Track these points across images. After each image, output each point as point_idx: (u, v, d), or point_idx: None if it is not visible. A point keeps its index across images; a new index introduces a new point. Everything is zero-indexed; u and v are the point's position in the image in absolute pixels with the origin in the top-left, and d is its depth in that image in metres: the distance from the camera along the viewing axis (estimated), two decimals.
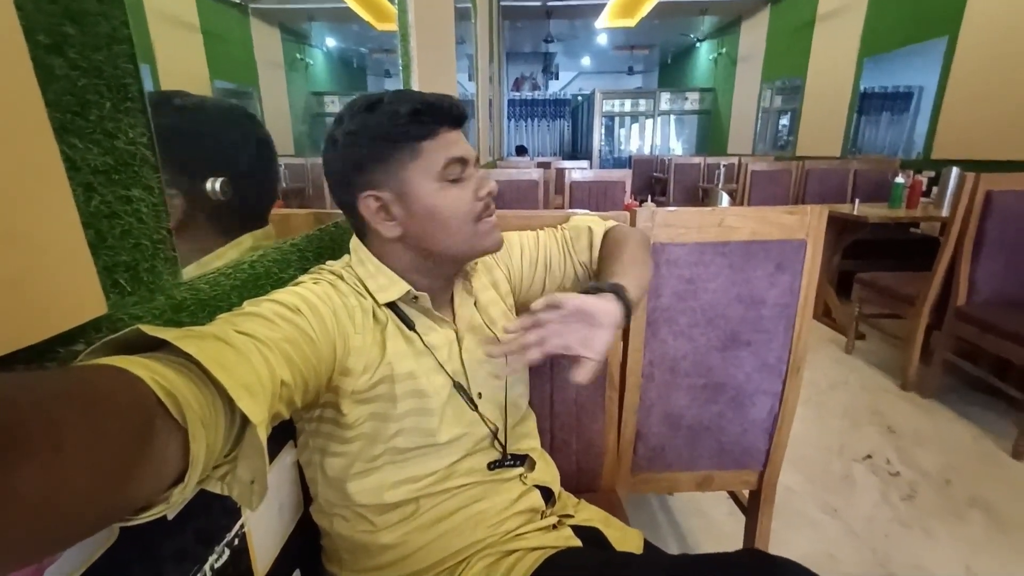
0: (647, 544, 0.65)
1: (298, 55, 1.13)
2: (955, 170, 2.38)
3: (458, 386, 0.59)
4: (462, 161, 0.56)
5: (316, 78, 1.27)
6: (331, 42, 1.36)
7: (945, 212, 2.27)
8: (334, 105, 1.41)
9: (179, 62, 0.56)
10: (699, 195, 4.67)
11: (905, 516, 1.35)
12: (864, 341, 2.49)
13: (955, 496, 1.42)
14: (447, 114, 0.55)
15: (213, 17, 0.67)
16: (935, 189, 2.62)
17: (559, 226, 0.77)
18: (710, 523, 1.34)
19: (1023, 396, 1.56)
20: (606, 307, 0.52)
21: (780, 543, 1.22)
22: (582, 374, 0.49)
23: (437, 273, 0.60)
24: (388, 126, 0.53)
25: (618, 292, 0.54)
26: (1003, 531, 1.28)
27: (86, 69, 0.33)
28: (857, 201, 2.68)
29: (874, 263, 2.66)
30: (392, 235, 0.55)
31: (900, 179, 2.58)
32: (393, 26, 1.40)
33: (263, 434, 0.35)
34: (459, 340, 0.62)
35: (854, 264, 2.70)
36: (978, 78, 3.16)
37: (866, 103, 4.42)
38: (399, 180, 0.54)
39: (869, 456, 1.62)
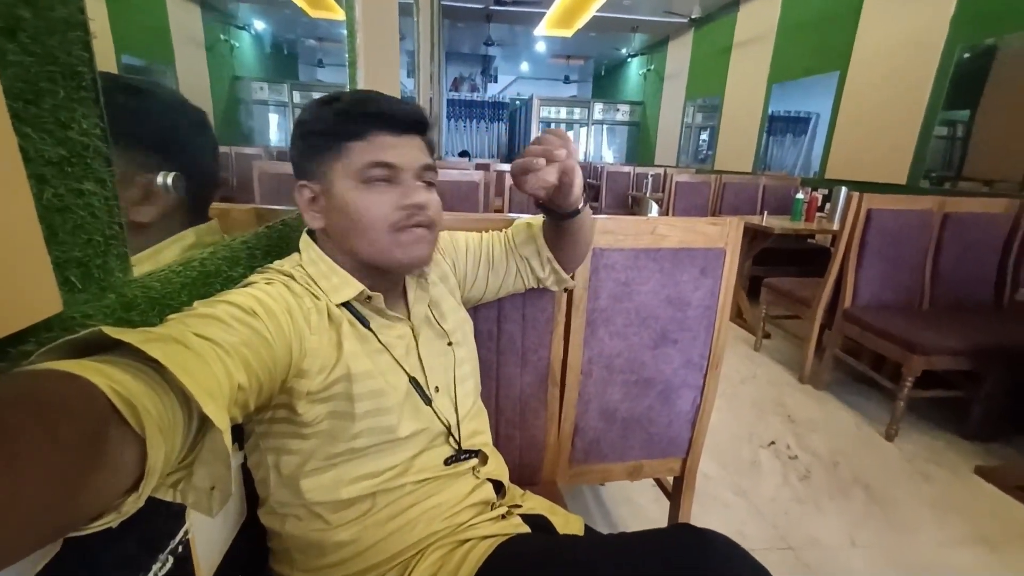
0: (587, 528, 0.70)
1: (222, 36, 1.07)
2: (844, 189, 2.72)
3: (414, 382, 0.60)
4: (387, 166, 0.56)
5: (242, 62, 1.20)
6: (260, 25, 1.30)
7: (836, 225, 2.58)
8: (263, 92, 1.35)
9: None
10: (628, 202, 4.92)
11: (802, 495, 1.53)
12: (770, 339, 2.77)
13: (841, 476, 1.63)
14: (379, 118, 0.56)
15: None
16: (828, 205, 2.97)
17: (503, 230, 0.81)
18: (638, 509, 1.44)
19: (894, 387, 1.82)
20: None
21: (698, 523, 1.34)
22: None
23: (377, 275, 0.60)
24: (319, 123, 0.56)
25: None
26: (878, 504, 1.49)
27: (40, 55, 0.32)
28: (765, 213, 2.97)
29: (779, 269, 2.97)
30: (316, 225, 0.59)
31: (800, 195, 2.89)
32: (328, 14, 1.36)
33: (228, 440, 0.35)
34: (415, 336, 0.63)
35: (762, 270, 3.00)
36: (863, 109, 3.63)
37: (774, 125, 4.91)
38: (325, 176, 0.57)
39: (773, 442, 1.81)
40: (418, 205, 0.57)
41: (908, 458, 1.73)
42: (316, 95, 0.61)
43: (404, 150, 0.57)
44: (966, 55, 2.88)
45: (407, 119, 0.58)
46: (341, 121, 0.55)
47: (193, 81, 0.88)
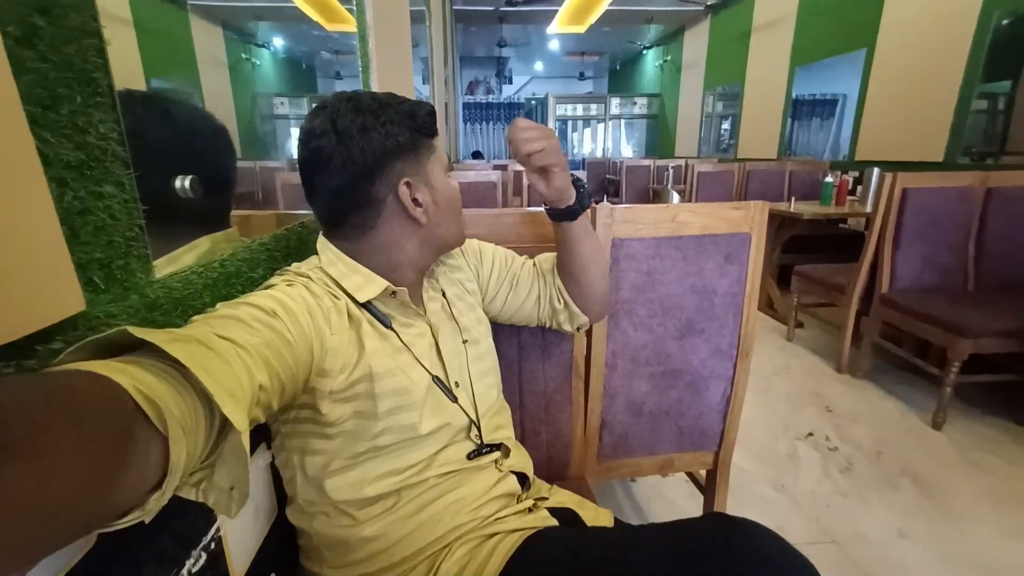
0: (617, 520, 0.69)
1: (244, 55, 1.10)
2: (876, 170, 2.60)
3: (436, 379, 0.60)
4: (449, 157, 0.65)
5: (264, 79, 1.23)
6: (279, 42, 1.33)
7: (868, 208, 2.48)
8: (283, 107, 1.38)
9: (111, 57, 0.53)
10: (650, 196, 4.85)
11: (844, 487, 1.47)
12: (803, 329, 2.68)
13: (886, 466, 1.56)
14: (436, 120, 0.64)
15: (147, 12, 0.64)
16: (860, 188, 2.86)
17: (535, 258, 0.80)
18: (671, 506, 1.40)
19: (940, 373, 1.73)
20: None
21: None
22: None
23: (423, 265, 0.65)
24: (415, 123, 0.59)
25: (579, 186, 0.68)
26: (928, 495, 1.42)
27: (56, 62, 0.33)
28: (793, 199, 2.88)
29: (809, 257, 2.87)
30: (424, 220, 0.60)
31: (829, 179, 2.79)
32: (344, 27, 1.38)
33: (247, 441, 0.36)
34: (434, 332, 0.63)
35: (792, 258, 2.90)
36: (893, 87, 3.47)
37: (798, 109, 4.76)
38: (425, 171, 0.60)
39: (811, 434, 1.74)
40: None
41: (959, 447, 1.64)
42: None
43: None
44: (1005, 21, 2.72)
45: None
46: (431, 121, 0.61)
47: (218, 100, 0.91)
